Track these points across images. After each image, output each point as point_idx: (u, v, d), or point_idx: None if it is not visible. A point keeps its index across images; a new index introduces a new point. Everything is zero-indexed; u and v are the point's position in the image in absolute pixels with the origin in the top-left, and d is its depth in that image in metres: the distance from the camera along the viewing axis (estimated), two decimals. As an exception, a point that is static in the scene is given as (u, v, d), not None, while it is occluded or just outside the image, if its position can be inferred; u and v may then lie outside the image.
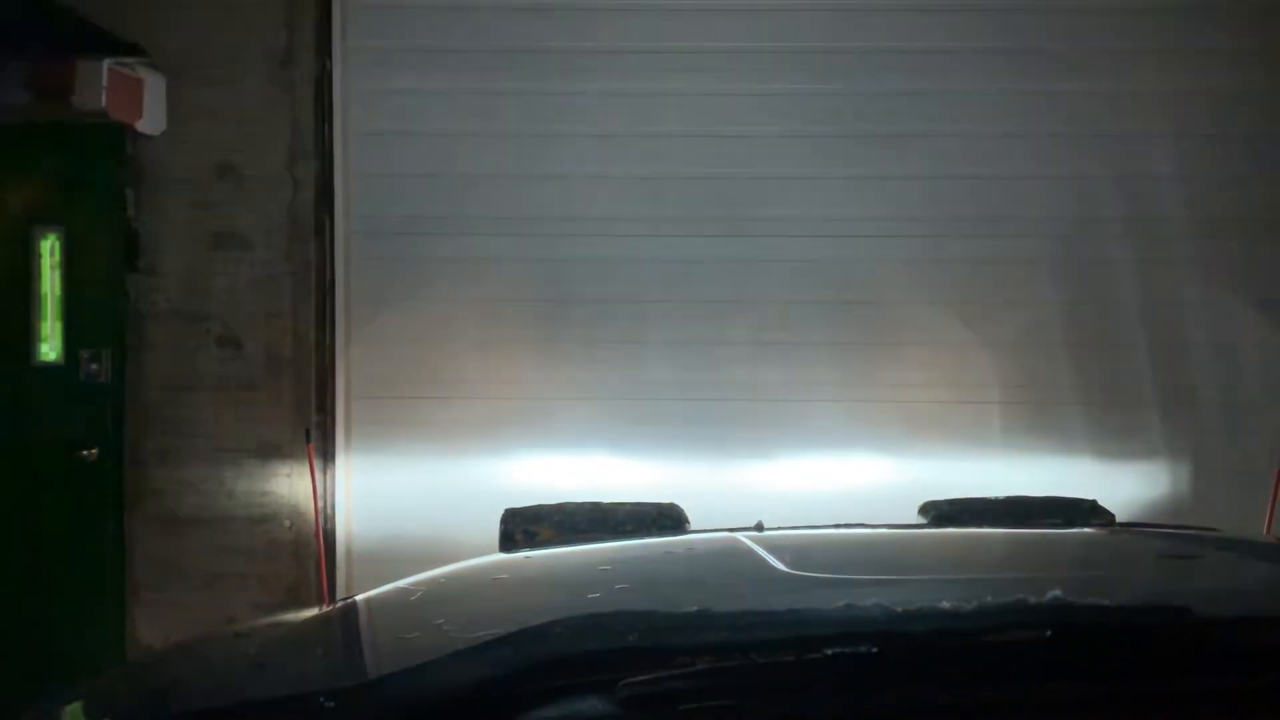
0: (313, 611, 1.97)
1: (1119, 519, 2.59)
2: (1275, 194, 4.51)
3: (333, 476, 4.53)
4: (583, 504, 2.63)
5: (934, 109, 4.52)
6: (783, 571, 1.65)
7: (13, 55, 4.13)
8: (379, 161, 4.57)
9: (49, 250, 4.46)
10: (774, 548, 1.84)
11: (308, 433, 4.37)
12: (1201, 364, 4.52)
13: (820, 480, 4.50)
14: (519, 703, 1.09)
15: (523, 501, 2.66)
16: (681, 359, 4.55)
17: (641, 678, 1.08)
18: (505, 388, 4.55)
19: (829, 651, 1.09)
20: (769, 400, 4.53)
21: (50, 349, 4.47)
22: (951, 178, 4.52)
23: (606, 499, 2.74)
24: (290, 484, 4.44)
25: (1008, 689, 1.09)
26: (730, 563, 1.86)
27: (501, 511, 2.59)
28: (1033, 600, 1.10)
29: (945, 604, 1.08)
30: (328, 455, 4.52)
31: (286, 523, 4.45)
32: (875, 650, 1.09)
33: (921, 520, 2.58)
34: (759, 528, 2.23)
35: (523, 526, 2.47)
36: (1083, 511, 2.56)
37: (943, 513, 2.56)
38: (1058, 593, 1.11)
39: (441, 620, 1.52)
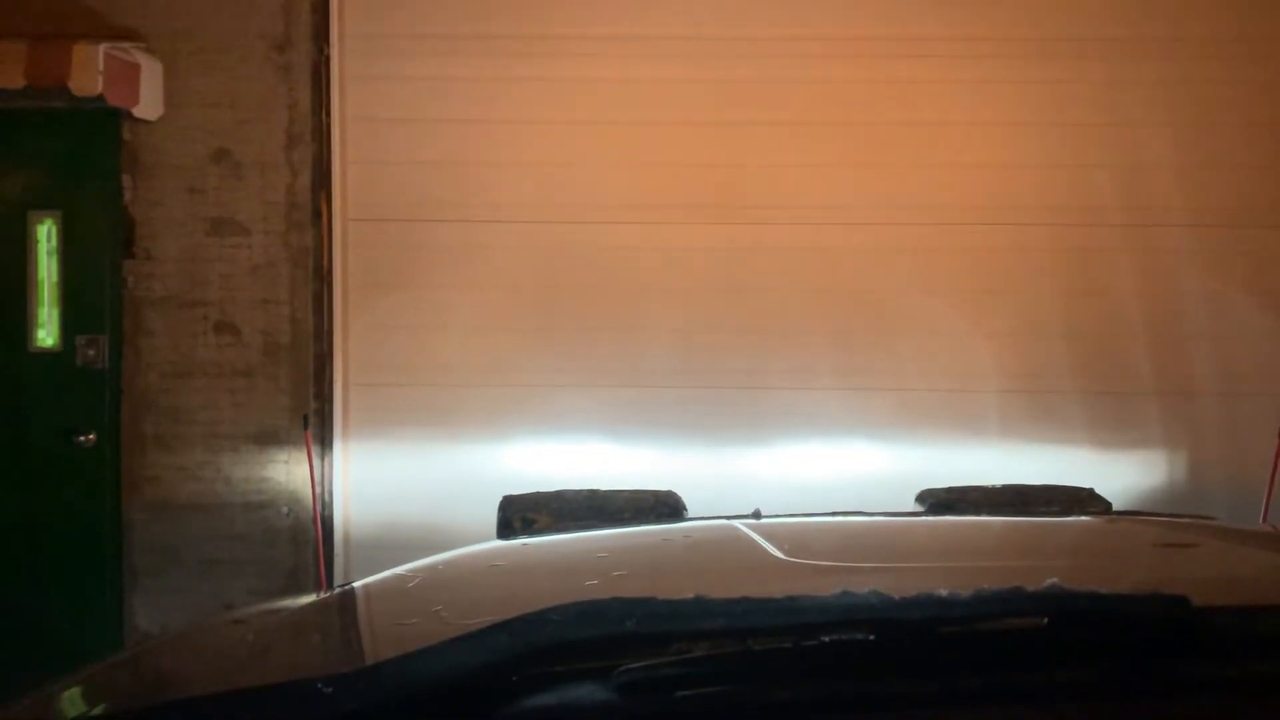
0: (310, 598, 1.97)
1: (1116, 507, 2.60)
2: (1274, 184, 4.50)
3: (330, 463, 4.53)
4: (580, 491, 2.63)
5: (933, 97, 4.51)
6: (780, 559, 1.65)
7: (9, 39, 4.11)
8: (377, 148, 4.56)
9: (45, 236, 4.46)
10: (771, 535, 1.84)
11: (305, 419, 4.37)
12: (1199, 353, 4.52)
13: (818, 468, 4.51)
14: (516, 689, 1.09)
15: (520, 489, 2.66)
16: (679, 347, 4.55)
17: (639, 664, 1.08)
18: (503, 374, 4.55)
19: (826, 638, 1.09)
20: (767, 388, 4.53)
21: (47, 335, 4.46)
22: (949, 166, 4.51)
23: (604, 486, 2.74)
24: (288, 470, 4.44)
25: (1004, 676, 1.10)
26: (728, 550, 1.86)
27: (499, 498, 2.59)
28: (1029, 588, 1.10)
29: (942, 591, 1.08)
30: (325, 442, 4.52)
31: (284, 509, 4.46)
32: (872, 637, 1.09)
33: (919, 508, 2.59)
34: (756, 515, 2.23)
35: (520, 514, 2.47)
36: (1080, 500, 2.57)
37: (940, 501, 2.56)
38: (1055, 581, 1.11)
39: (439, 607, 1.52)
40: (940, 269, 4.53)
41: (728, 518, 2.18)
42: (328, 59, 4.53)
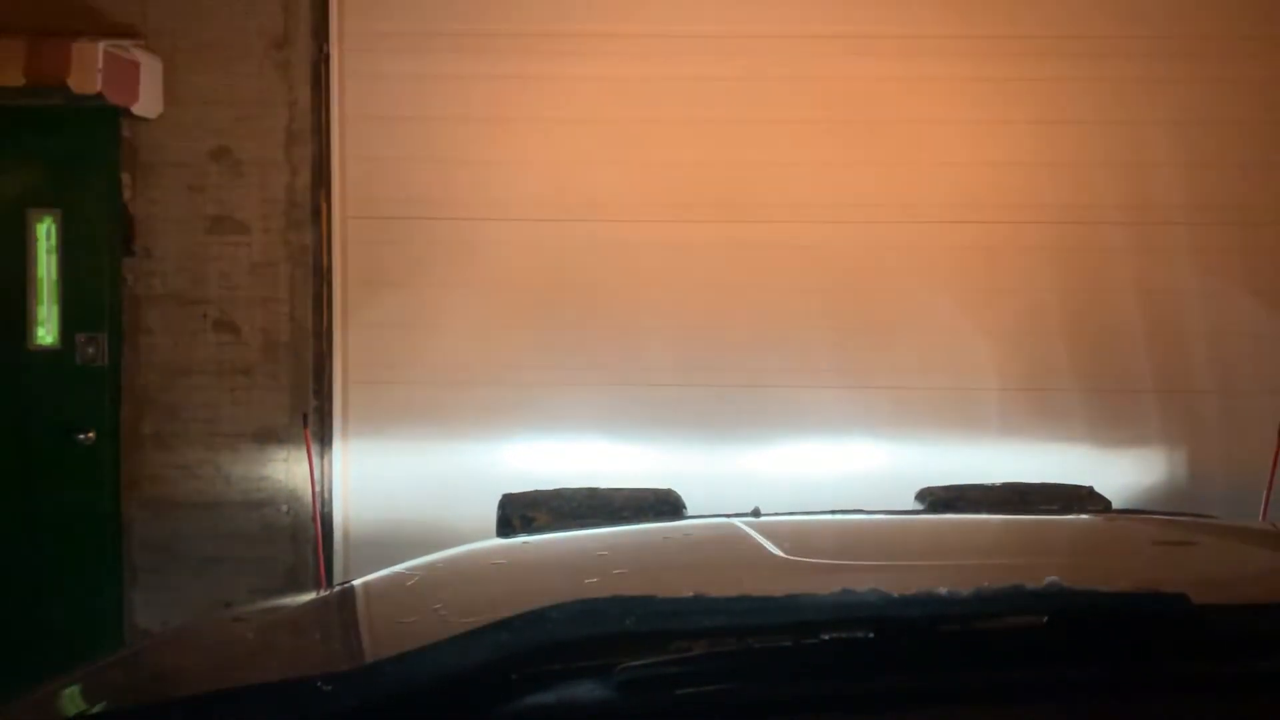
0: (310, 596, 1.97)
1: (1115, 505, 2.60)
2: (1274, 182, 4.50)
3: (330, 461, 4.53)
4: (580, 489, 2.63)
5: (933, 96, 4.51)
6: (780, 557, 1.65)
7: (8, 37, 4.11)
8: (376, 145, 4.55)
9: (45, 234, 4.45)
10: (771, 533, 1.84)
11: (305, 417, 4.37)
12: (1199, 351, 4.52)
13: (817, 466, 4.51)
14: (516, 687, 1.09)
15: (520, 487, 2.66)
16: (680, 345, 4.55)
17: (638, 662, 1.08)
18: (503, 372, 4.55)
19: (826, 636, 1.09)
20: (766, 386, 4.53)
21: (46, 333, 4.46)
22: (950, 165, 4.51)
23: (604, 484, 2.74)
24: (287, 468, 4.44)
25: (1004, 674, 1.10)
26: (727, 548, 1.87)
27: (499, 496, 2.59)
28: (1029, 586, 1.10)
29: (942, 590, 1.08)
30: (325, 440, 4.52)
31: (284, 507, 4.46)
32: (872, 635, 1.09)
33: (918, 506, 2.59)
34: (756, 513, 2.23)
35: (520, 512, 2.47)
36: (1079, 498, 2.57)
37: (939, 499, 2.56)
38: (1054, 578, 1.11)
39: (439, 605, 1.52)
40: (940, 268, 4.53)
41: (727, 516, 2.18)
42: (327, 56, 4.53)
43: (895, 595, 1.08)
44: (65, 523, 4.44)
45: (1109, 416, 4.53)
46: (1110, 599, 1.12)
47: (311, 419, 4.42)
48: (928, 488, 2.67)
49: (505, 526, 2.44)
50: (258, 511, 4.47)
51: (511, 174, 4.55)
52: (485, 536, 2.41)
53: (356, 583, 1.90)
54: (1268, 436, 4.19)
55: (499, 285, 4.56)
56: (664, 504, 2.52)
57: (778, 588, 1.11)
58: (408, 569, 1.89)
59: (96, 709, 1.37)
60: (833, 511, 2.34)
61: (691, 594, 1.10)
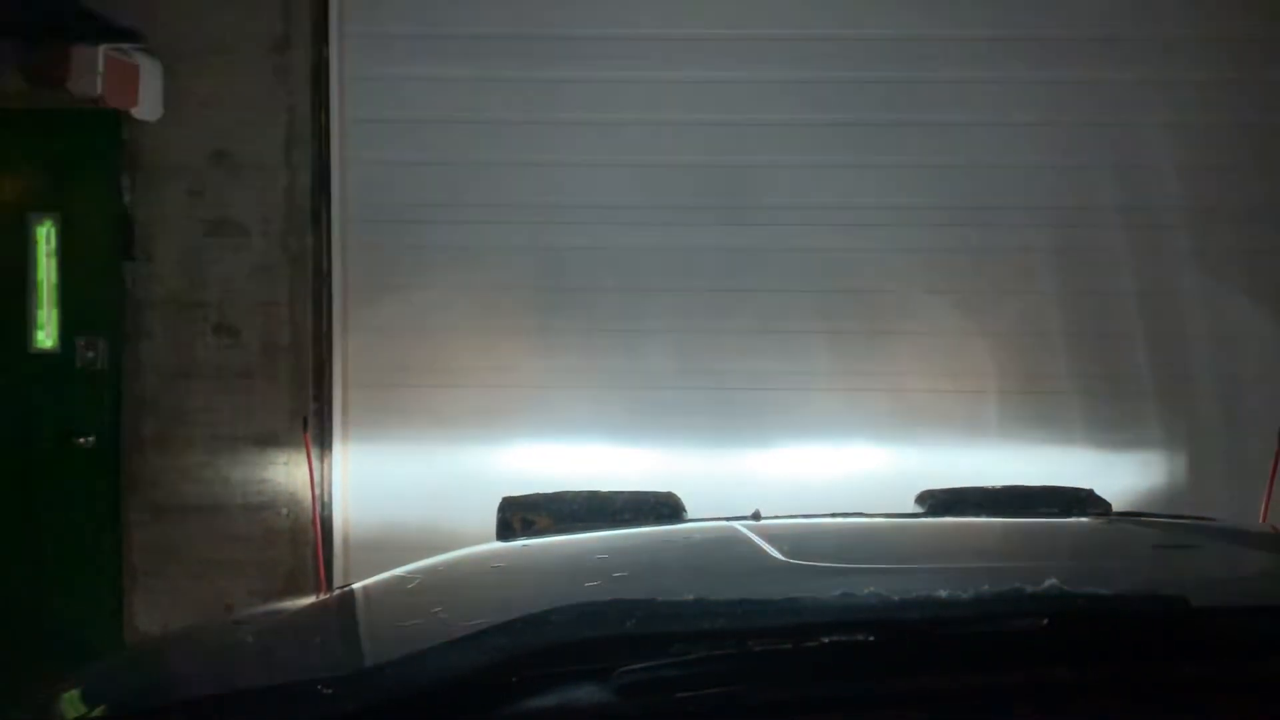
0: (310, 599, 1.97)
1: (1115, 508, 2.59)
2: (1274, 184, 4.51)
3: (330, 464, 4.53)
4: (580, 492, 2.63)
5: (931, 97, 4.51)
6: (779, 560, 1.65)
7: (8, 40, 4.11)
8: (376, 149, 4.55)
9: (45, 237, 4.46)
10: (771, 536, 1.84)
11: (305, 421, 4.37)
12: (1199, 354, 4.52)
13: (817, 469, 4.51)
14: (516, 690, 1.09)
15: (520, 490, 2.66)
16: (679, 347, 4.55)
17: (638, 665, 1.08)
18: (502, 375, 4.55)
19: (826, 639, 1.09)
20: (766, 389, 4.53)
21: (46, 336, 4.46)
22: (949, 166, 4.51)
23: (604, 488, 2.74)
24: (287, 472, 4.44)
25: (1004, 676, 1.10)
26: (727, 551, 1.87)
27: (499, 500, 2.59)
28: (1029, 589, 1.10)
29: (942, 592, 1.08)
30: (325, 443, 4.52)
31: (284, 510, 4.46)
32: (872, 638, 1.09)
33: (918, 509, 2.59)
34: (756, 516, 2.23)
35: (520, 515, 2.47)
36: (1079, 501, 2.57)
37: (939, 502, 2.56)
38: (1054, 581, 1.11)
39: (438, 608, 1.52)
40: (940, 269, 4.53)
41: (727, 519, 2.18)
42: (327, 60, 4.53)
43: (895, 598, 1.09)
44: (65, 526, 4.44)
45: (1109, 419, 4.53)
46: (1110, 601, 1.12)
47: (311, 422, 4.42)
48: (928, 490, 2.67)
49: (505, 529, 2.44)
50: (257, 515, 4.47)
51: (511, 176, 4.55)
52: (485, 540, 2.41)
53: (356, 586, 1.90)
54: (1267, 439, 4.19)
55: (499, 287, 4.57)
56: (664, 507, 2.52)
57: (778, 591, 1.11)
58: (408, 572, 1.89)
59: (96, 712, 1.37)
60: (833, 514, 2.35)
61: (692, 597, 1.10)
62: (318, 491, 4.38)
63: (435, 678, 1.09)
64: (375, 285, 4.57)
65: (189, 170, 4.45)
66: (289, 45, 4.46)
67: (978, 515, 2.50)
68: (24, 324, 4.45)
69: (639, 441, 4.53)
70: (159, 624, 4.38)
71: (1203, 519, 2.42)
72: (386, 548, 4.33)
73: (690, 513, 2.56)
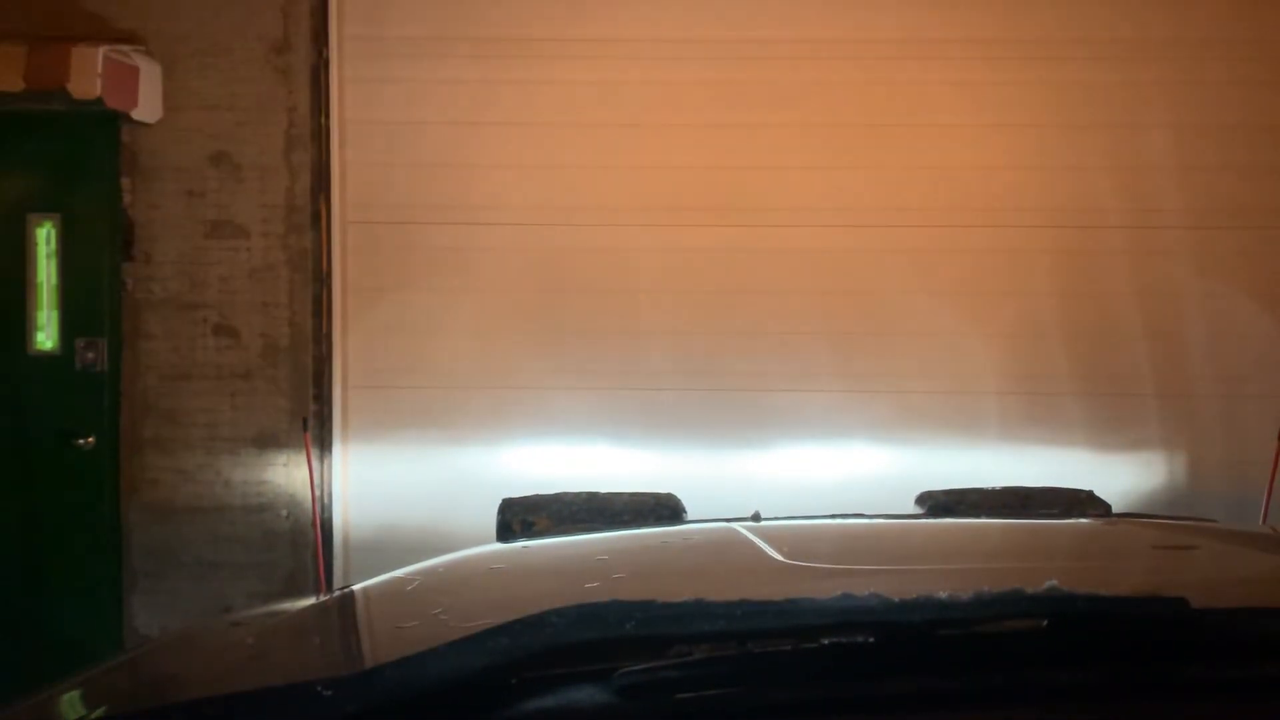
0: (310, 601, 1.97)
1: (1115, 509, 2.59)
2: (1274, 184, 4.51)
3: (330, 466, 4.53)
4: (580, 494, 2.63)
5: (932, 99, 4.51)
6: (779, 561, 1.65)
7: (8, 42, 4.11)
8: (376, 150, 4.56)
9: (44, 238, 4.46)
10: (771, 538, 1.84)
11: (305, 422, 4.37)
12: (1198, 355, 4.52)
13: (817, 470, 4.51)
14: (516, 692, 1.09)
15: (520, 491, 2.65)
16: (679, 349, 4.55)
17: (638, 667, 1.08)
18: (502, 377, 4.55)
19: (826, 641, 1.09)
20: (766, 390, 4.53)
21: (46, 337, 4.46)
22: (950, 168, 4.51)
23: (604, 489, 2.74)
24: (287, 473, 4.44)
25: (1004, 677, 1.10)
26: (727, 553, 1.86)
27: (499, 501, 2.59)
28: (1029, 590, 1.10)
29: (942, 593, 1.08)
30: (325, 444, 4.52)
31: (283, 512, 4.46)
32: (872, 639, 1.09)
33: (918, 510, 2.59)
34: (756, 518, 2.23)
35: (520, 516, 2.47)
36: (1079, 502, 2.57)
37: (939, 503, 2.56)
38: (1054, 582, 1.11)
39: (438, 610, 1.52)
40: (940, 270, 4.54)
41: (727, 520, 2.18)
42: (326, 61, 4.53)
43: (895, 599, 1.09)
44: (64, 527, 4.44)
45: (1109, 420, 4.53)
46: (1110, 603, 1.12)
47: (311, 423, 4.42)
48: (928, 491, 2.67)
49: (505, 531, 2.43)
50: (257, 516, 4.47)
51: (511, 178, 4.55)
52: (485, 541, 2.41)
53: (356, 587, 1.90)
54: (1268, 440, 4.19)
55: (499, 290, 4.57)
56: (664, 508, 2.52)
57: (778, 592, 1.11)
58: (407, 573, 1.89)
59: (96, 714, 1.37)
60: (833, 515, 2.34)
61: (692, 598, 1.10)
62: (318, 493, 4.38)
63: (435, 679, 1.09)
64: (375, 286, 4.58)
65: (188, 171, 4.45)
66: (288, 47, 4.46)
67: (978, 516, 2.50)
68: (24, 325, 4.45)
69: (639, 443, 4.53)
70: (158, 625, 4.38)
71: (1202, 520, 2.42)
72: (387, 549, 4.33)
73: (690, 514, 2.56)
